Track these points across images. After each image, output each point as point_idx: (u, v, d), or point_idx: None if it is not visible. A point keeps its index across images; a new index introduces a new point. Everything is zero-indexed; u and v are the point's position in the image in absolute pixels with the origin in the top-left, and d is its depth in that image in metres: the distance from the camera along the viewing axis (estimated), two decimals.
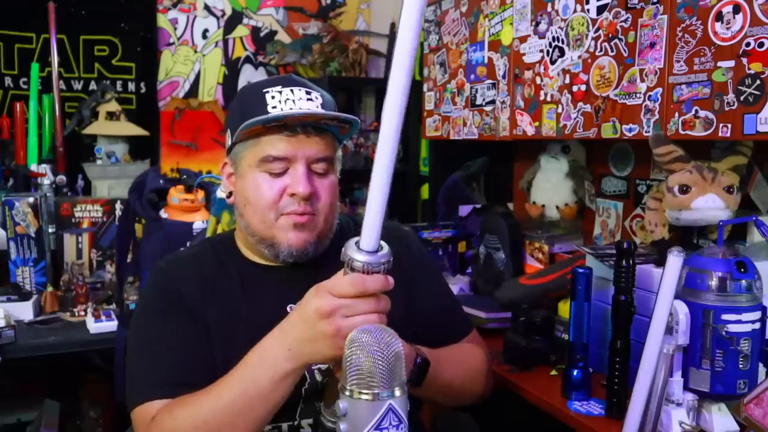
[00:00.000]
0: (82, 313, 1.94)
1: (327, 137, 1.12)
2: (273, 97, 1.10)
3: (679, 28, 1.35)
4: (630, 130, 1.48)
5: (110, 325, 1.84)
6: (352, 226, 1.27)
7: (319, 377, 1.12)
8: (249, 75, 2.92)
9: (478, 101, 2.04)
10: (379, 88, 2.96)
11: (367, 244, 0.82)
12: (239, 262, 1.18)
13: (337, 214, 1.18)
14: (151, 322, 1.12)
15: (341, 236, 1.21)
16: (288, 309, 1.12)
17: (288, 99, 1.10)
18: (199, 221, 1.93)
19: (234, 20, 2.89)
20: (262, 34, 2.93)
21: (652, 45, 1.41)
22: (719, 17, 1.27)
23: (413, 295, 1.24)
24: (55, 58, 2.40)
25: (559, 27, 1.68)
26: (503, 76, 1.92)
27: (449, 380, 1.15)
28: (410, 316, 1.21)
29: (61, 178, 2.28)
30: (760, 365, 1.20)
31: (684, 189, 1.41)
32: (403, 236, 1.32)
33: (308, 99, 1.11)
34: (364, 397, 0.76)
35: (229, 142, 1.16)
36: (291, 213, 1.10)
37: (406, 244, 1.30)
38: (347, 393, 0.77)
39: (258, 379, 0.93)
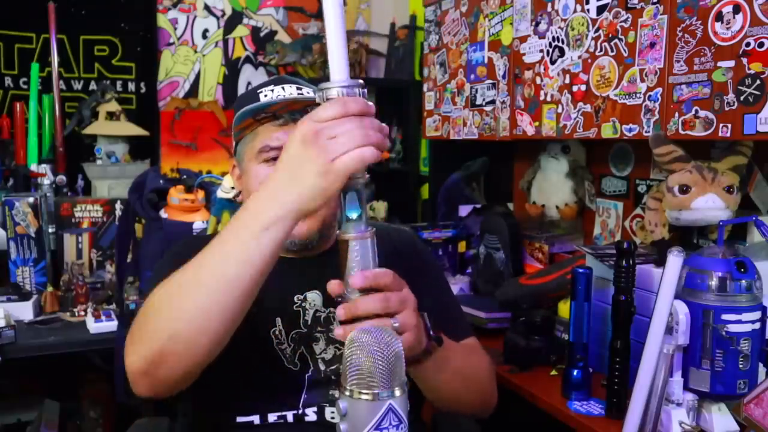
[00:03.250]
0: (82, 313, 1.94)
1: None
2: (265, 96, 1.14)
3: (679, 28, 1.35)
4: (630, 130, 1.48)
5: (110, 325, 1.83)
6: (386, 235, 1.28)
7: (323, 366, 1.13)
8: (249, 75, 2.92)
9: (478, 101, 2.04)
10: (380, 87, 2.97)
11: (338, 74, 0.81)
12: None
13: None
14: (165, 271, 1.11)
15: None
16: (295, 299, 1.15)
17: (279, 95, 1.13)
18: (199, 221, 1.93)
19: (234, 20, 2.89)
20: (262, 34, 2.93)
21: (652, 45, 1.41)
22: (719, 17, 1.27)
23: (415, 291, 1.24)
24: (55, 58, 2.40)
25: (559, 27, 1.68)
26: (503, 76, 1.92)
27: (461, 365, 1.11)
28: None
29: (61, 178, 2.28)
30: (760, 365, 1.20)
31: (684, 189, 1.41)
32: (410, 240, 1.35)
33: (299, 94, 1.14)
34: (364, 397, 0.76)
35: (233, 144, 1.21)
36: None
37: (413, 245, 1.33)
38: (347, 393, 0.77)
39: (237, 232, 0.84)
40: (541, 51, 1.75)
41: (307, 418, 1.10)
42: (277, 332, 1.14)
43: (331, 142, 0.77)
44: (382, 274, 0.84)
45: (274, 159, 1.11)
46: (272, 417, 1.10)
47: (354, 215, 0.82)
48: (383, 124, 0.81)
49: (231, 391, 1.11)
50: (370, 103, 0.80)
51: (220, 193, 1.91)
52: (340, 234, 0.83)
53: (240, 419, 1.10)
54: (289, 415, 1.10)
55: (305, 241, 1.14)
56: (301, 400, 1.11)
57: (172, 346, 0.86)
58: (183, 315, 0.85)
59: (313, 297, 1.17)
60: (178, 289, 0.87)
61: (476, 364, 1.20)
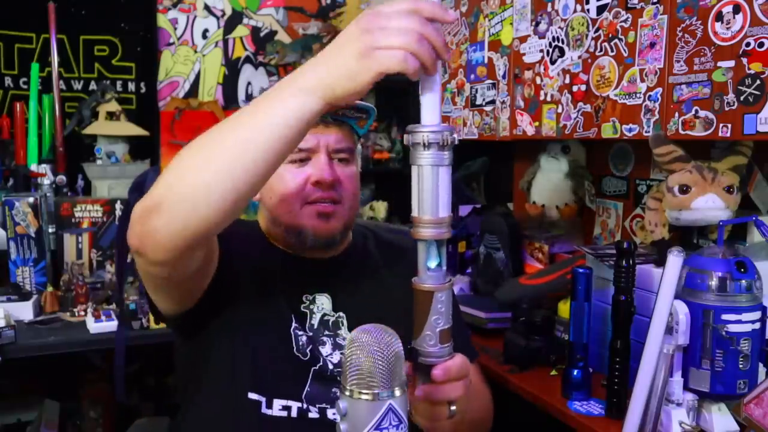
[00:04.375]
0: (82, 313, 1.94)
1: (346, 128, 1.16)
2: None
3: (679, 28, 1.35)
4: (630, 130, 1.48)
5: (110, 325, 1.83)
6: (369, 234, 1.31)
7: (331, 366, 1.13)
8: (249, 75, 2.92)
9: (478, 101, 2.04)
10: (379, 88, 2.96)
11: (431, 118, 0.80)
12: (264, 244, 1.20)
13: (359, 205, 1.22)
14: None
15: (363, 240, 1.27)
16: (303, 298, 1.15)
17: None
18: None
19: (234, 20, 2.89)
20: (262, 34, 2.93)
21: (652, 45, 1.41)
22: (719, 17, 1.27)
23: None
24: (55, 58, 2.40)
25: (559, 27, 1.68)
26: (503, 76, 1.92)
27: (477, 414, 1.13)
28: None
29: (61, 178, 2.28)
30: (760, 365, 1.20)
31: (684, 189, 1.41)
32: None
33: None
34: (364, 397, 0.76)
35: None
36: (315, 201, 1.12)
37: None
38: (347, 393, 0.77)
39: (266, 96, 0.83)
40: (541, 51, 1.75)
41: (310, 415, 1.10)
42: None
43: (381, 31, 0.74)
44: (461, 366, 0.83)
45: (301, 160, 1.12)
46: (278, 404, 1.09)
47: (433, 264, 0.79)
48: (445, 44, 0.77)
49: (245, 363, 1.10)
50: (451, 12, 0.78)
51: None
52: (418, 283, 0.80)
53: (251, 396, 1.08)
54: (294, 408, 1.09)
55: (329, 239, 1.15)
56: (304, 392, 1.10)
57: (166, 195, 0.84)
58: (184, 165, 0.84)
59: (322, 300, 1.17)
60: (195, 143, 0.85)
61: (482, 402, 1.21)
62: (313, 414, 1.10)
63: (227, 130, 0.83)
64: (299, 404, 1.10)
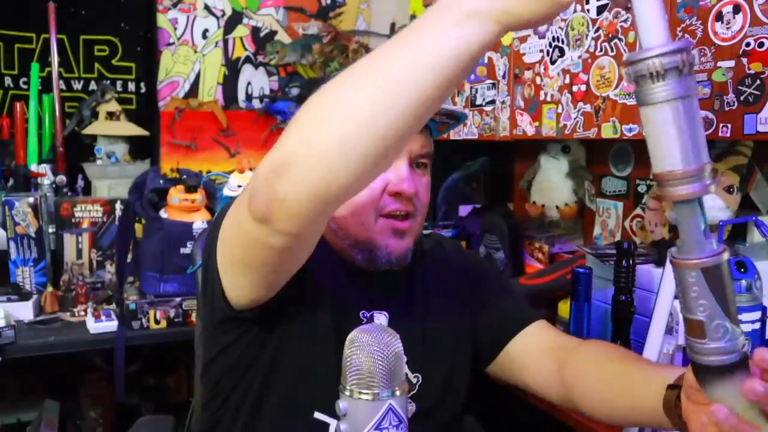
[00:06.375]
0: (82, 313, 1.94)
1: (427, 132, 1.06)
2: None
3: (679, 28, 1.35)
4: (630, 130, 1.48)
5: (110, 325, 1.83)
6: (437, 244, 1.23)
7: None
8: (249, 75, 2.92)
9: (478, 101, 2.04)
10: None
11: (656, 37, 0.57)
12: (325, 249, 1.07)
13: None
14: None
15: (422, 251, 1.16)
16: (360, 315, 1.07)
17: None
18: (199, 221, 1.93)
19: (234, 20, 2.89)
20: (262, 34, 2.93)
21: None
22: (719, 17, 1.27)
23: (490, 296, 1.20)
24: (55, 58, 2.40)
25: (559, 27, 1.68)
26: (503, 76, 1.92)
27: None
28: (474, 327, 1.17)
29: (61, 178, 2.28)
30: None
31: None
32: (459, 246, 1.30)
33: None
34: (364, 397, 0.76)
35: None
36: (391, 215, 1.03)
37: (460, 251, 1.30)
38: (347, 393, 0.77)
39: (420, 22, 0.67)
40: (541, 51, 1.75)
41: None
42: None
43: None
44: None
45: None
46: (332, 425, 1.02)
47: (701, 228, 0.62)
48: None
49: (315, 378, 1.01)
50: None
51: (227, 191, 1.91)
52: (684, 261, 0.61)
53: (318, 416, 1.01)
54: None
55: (401, 259, 1.06)
56: None
57: (296, 152, 0.69)
58: (316, 115, 0.69)
59: (381, 319, 1.08)
60: (329, 88, 0.70)
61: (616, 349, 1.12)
62: None
63: (369, 71, 0.67)
64: None
